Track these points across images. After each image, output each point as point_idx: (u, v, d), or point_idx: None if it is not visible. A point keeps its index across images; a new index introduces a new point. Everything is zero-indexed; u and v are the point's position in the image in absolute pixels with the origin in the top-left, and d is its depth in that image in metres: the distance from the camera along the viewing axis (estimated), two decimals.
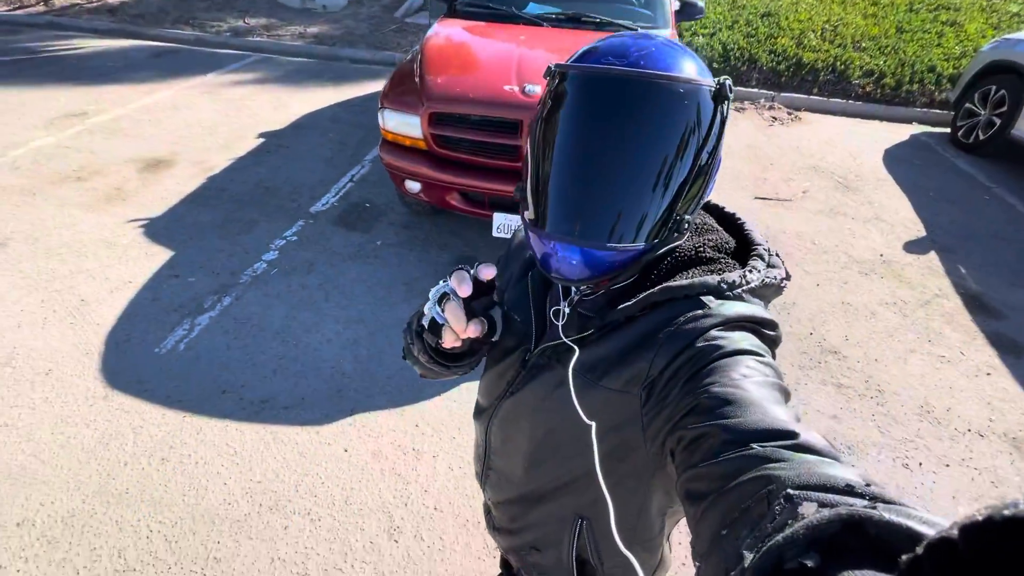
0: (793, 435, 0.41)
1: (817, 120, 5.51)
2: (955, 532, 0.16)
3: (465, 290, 0.63)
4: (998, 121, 4.52)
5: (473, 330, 0.64)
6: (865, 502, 0.29)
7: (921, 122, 5.54)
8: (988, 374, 2.58)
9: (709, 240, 0.67)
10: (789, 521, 0.29)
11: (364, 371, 2.39)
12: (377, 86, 5.57)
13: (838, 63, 6.02)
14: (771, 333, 0.60)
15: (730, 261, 0.66)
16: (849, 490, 0.32)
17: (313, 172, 3.95)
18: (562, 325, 0.68)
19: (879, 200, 4.04)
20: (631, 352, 0.60)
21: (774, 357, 0.59)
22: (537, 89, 2.48)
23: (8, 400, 2.15)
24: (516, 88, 2.50)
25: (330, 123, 4.75)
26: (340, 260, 3.07)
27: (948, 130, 5.23)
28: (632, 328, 0.61)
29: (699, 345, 0.55)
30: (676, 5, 3.45)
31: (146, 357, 2.39)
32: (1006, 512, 0.15)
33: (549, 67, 0.64)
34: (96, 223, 3.26)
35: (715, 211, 0.77)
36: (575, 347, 0.65)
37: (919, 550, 0.17)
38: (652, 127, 0.58)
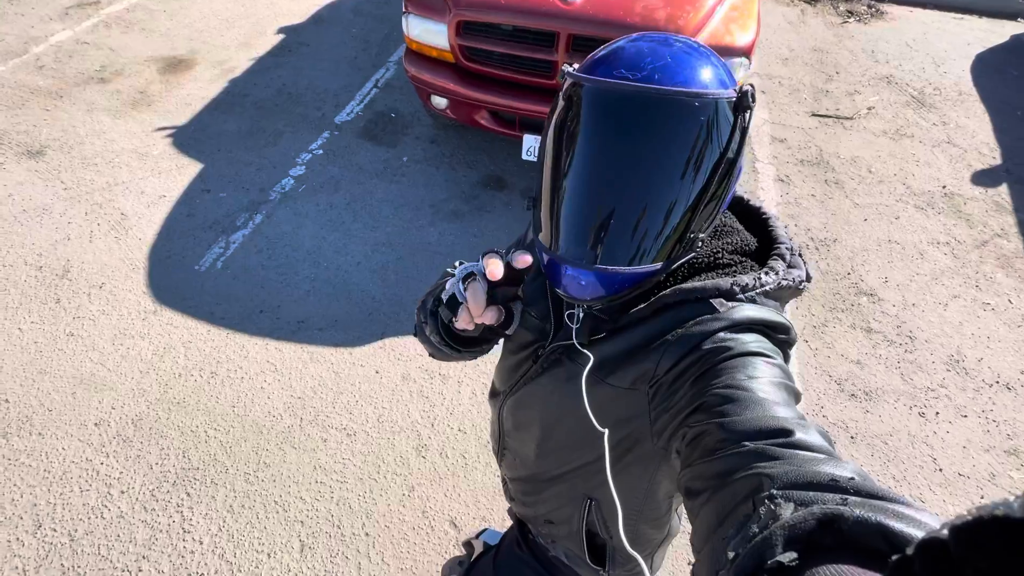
0: (788, 432, 0.42)
1: (903, 15, 4.79)
2: (945, 532, 0.16)
3: (496, 273, 0.58)
4: None
5: (490, 316, 0.61)
6: (843, 497, 0.30)
7: None
8: None
9: (728, 243, 0.66)
10: (770, 522, 0.30)
11: (393, 296, 2.46)
12: None
13: None
14: (782, 336, 0.59)
15: (748, 263, 0.65)
16: (833, 485, 0.32)
17: (336, 75, 3.75)
18: (576, 328, 0.67)
19: (955, 119, 3.63)
20: (638, 352, 0.61)
21: (787, 360, 0.58)
22: (576, 1, 2.20)
23: (70, 311, 2.34)
24: None
25: (352, 16, 4.40)
26: (367, 177, 3.03)
27: None
28: (641, 329, 0.62)
29: (707, 347, 0.55)
30: None
31: (188, 274, 2.51)
32: (997, 512, 0.14)
33: (562, 70, 0.62)
34: (125, 131, 3.24)
35: (739, 204, 0.74)
36: (590, 355, 0.64)
37: (909, 551, 0.17)
38: (666, 146, 0.56)
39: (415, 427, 2.04)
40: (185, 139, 3.22)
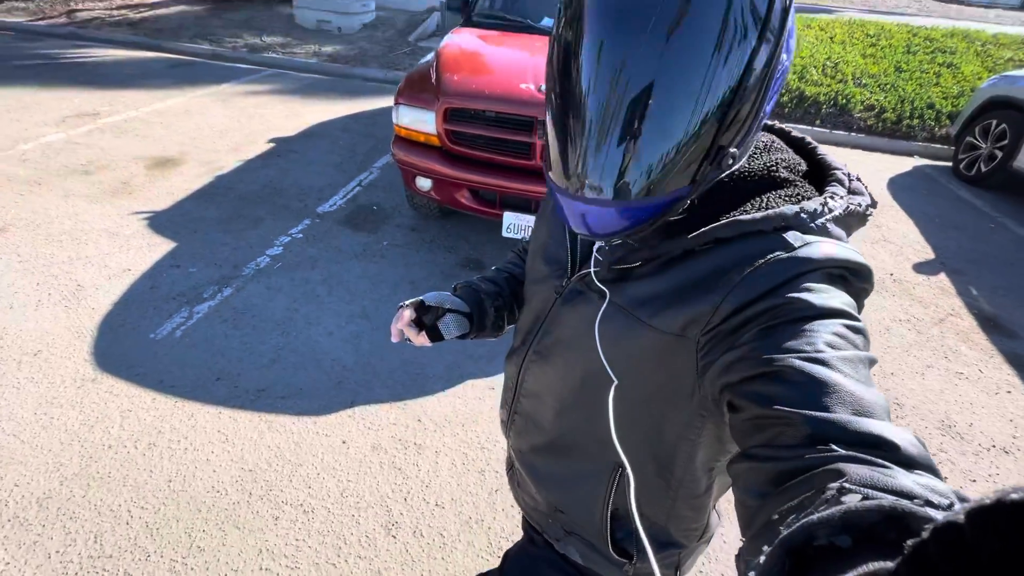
0: (891, 446, 0.36)
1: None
2: (961, 517, 0.16)
3: (404, 317, 0.78)
4: (999, 154, 4.58)
5: (412, 335, 0.78)
6: (915, 501, 0.27)
7: (923, 155, 5.62)
8: (1008, 392, 2.50)
9: (780, 159, 0.59)
10: (834, 503, 0.29)
11: (365, 364, 2.30)
12: (389, 102, 5.66)
13: (839, 97, 6.16)
14: (862, 286, 0.51)
15: (807, 186, 0.57)
16: (909, 495, 0.29)
17: (322, 176, 3.94)
18: (601, 259, 0.61)
19: (886, 223, 4.04)
20: (692, 291, 0.53)
21: (861, 310, 0.51)
22: None
23: None
24: (532, 87, 2.51)
25: (341, 132, 4.79)
26: (345, 258, 3.02)
27: (950, 163, 5.29)
28: (694, 264, 0.54)
29: (786, 295, 0.47)
30: None
31: (140, 342, 2.30)
32: (1014, 496, 0.14)
33: None
34: (100, 214, 3.21)
35: (779, 134, 0.67)
36: (606, 291, 0.60)
37: (924, 534, 0.17)
38: (684, 34, 0.45)
39: (385, 502, 1.76)
40: (162, 222, 3.20)
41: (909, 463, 0.34)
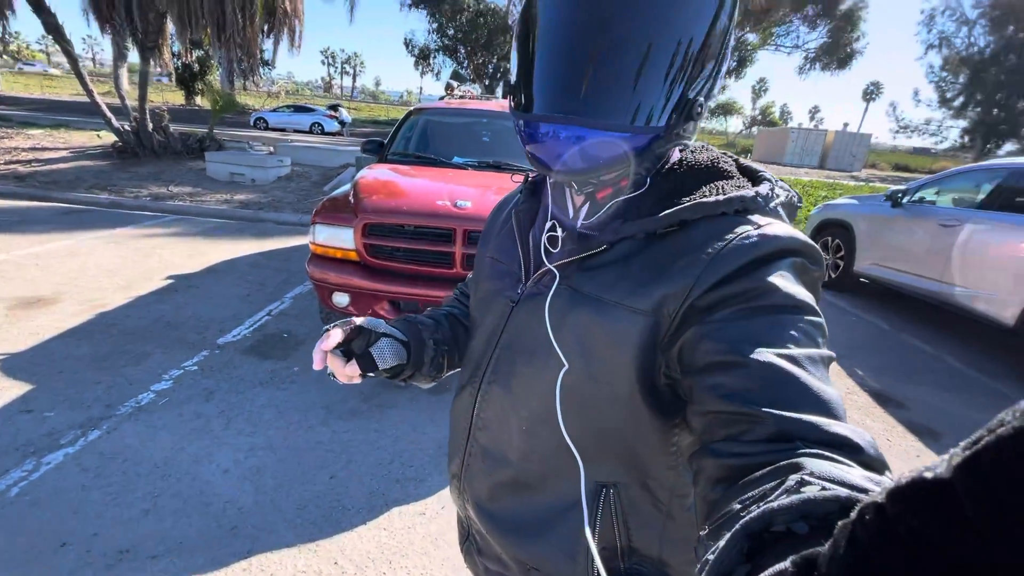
0: (855, 448, 0.37)
1: None
2: (882, 498, 0.17)
3: (330, 343, 0.63)
4: (841, 263, 5.48)
5: (334, 364, 0.64)
6: (872, 494, 0.27)
7: None
8: (918, 456, 2.63)
9: (721, 155, 0.62)
10: (792, 493, 0.30)
11: (268, 503, 1.92)
12: (301, 241, 5.68)
13: None
14: (819, 273, 0.52)
15: (744, 179, 0.59)
16: (860, 489, 0.31)
17: (225, 308, 3.68)
18: (559, 250, 0.61)
19: None
20: (666, 269, 0.52)
21: (818, 300, 0.52)
22: (469, 204, 2.65)
23: None
24: (448, 203, 2.66)
25: (249, 268, 4.63)
26: (247, 387, 2.70)
27: None
28: (661, 245, 0.54)
29: (762, 279, 0.48)
30: None
31: None
32: (926, 475, 0.15)
33: None
34: None
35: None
36: (555, 271, 0.60)
37: (852, 515, 0.18)
38: None
39: None
40: (18, 364, 2.72)
41: (869, 464, 0.36)
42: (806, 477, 0.32)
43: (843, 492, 0.27)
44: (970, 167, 4.83)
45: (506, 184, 3.20)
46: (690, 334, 0.49)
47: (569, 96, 0.51)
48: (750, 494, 0.34)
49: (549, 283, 0.60)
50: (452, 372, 0.79)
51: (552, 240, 0.65)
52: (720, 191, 0.54)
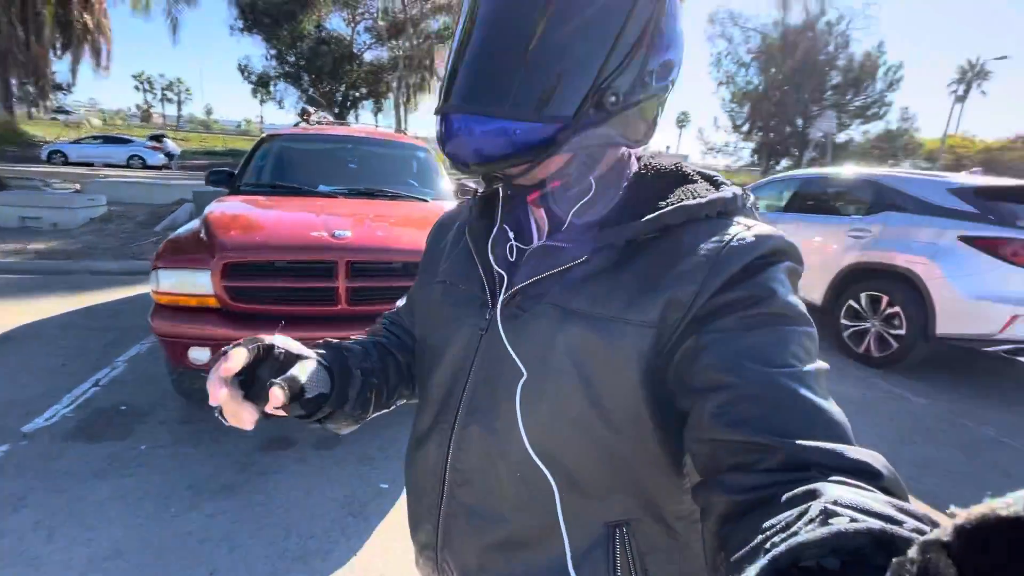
0: (874, 473, 0.36)
1: None
2: (950, 536, 0.16)
3: (230, 368, 0.50)
4: None
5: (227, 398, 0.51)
6: (906, 526, 0.28)
7: None
8: None
9: (681, 162, 0.60)
10: (820, 524, 0.28)
11: None
12: (130, 292, 4.79)
13: None
14: (801, 270, 0.52)
15: (707, 183, 0.58)
16: (890, 519, 0.29)
17: (31, 385, 2.91)
18: (527, 268, 0.56)
19: None
20: (662, 276, 0.49)
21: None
22: (348, 234, 2.44)
23: None
24: (325, 234, 2.42)
25: (61, 331, 3.75)
26: (76, 481, 2.13)
27: None
28: (648, 252, 0.51)
29: (764, 284, 0.46)
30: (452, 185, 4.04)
31: None
32: (1000, 512, 0.14)
33: None
34: None
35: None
36: (503, 275, 0.57)
37: (911, 553, 0.17)
38: None
39: None
40: None
41: (889, 490, 0.35)
42: (830, 506, 0.30)
43: (875, 524, 0.26)
44: (770, 179, 5.85)
45: (385, 211, 3.04)
46: (691, 343, 0.46)
47: (470, 88, 0.51)
48: (772, 523, 0.32)
49: (528, 304, 0.54)
50: (379, 413, 0.68)
51: (516, 257, 0.59)
52: (697, 194, 0.53)
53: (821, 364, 0.45)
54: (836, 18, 25.28)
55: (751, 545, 0.32)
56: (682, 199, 0.52)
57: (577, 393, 0.50)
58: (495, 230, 0.62)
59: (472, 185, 4.35)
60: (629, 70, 0.51)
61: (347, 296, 2.36)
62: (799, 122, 25.94)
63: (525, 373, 0.52)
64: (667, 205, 0.52)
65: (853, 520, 0.27)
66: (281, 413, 0.52)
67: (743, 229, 0.49)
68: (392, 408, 0.71)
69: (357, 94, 26.25)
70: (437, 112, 0.53)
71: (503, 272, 0.58)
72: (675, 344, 0.48)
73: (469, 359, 0.57)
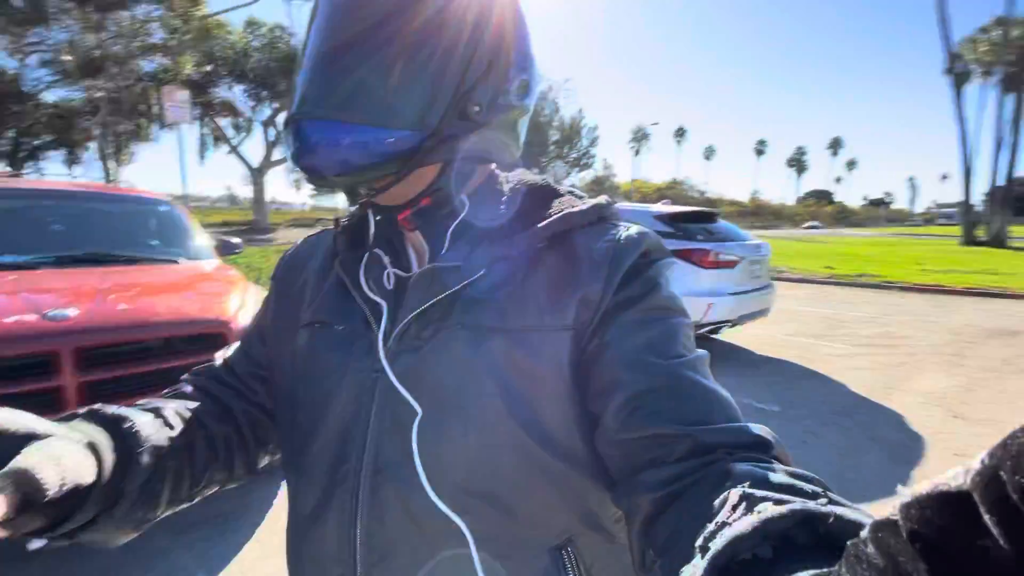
0: (767, 445, 0.40)
1: None
2: (897, 514, 0.16)
3: None
4: None
5: None
6: (823, 499, 0.30)
7: None
8: None
9: (549, 178, 0.61)
10: (746, 515, 0.29)
11: None
12: None
13: None
14: (673, 263, 0.56)
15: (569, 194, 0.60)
16: (803, 493, 0.32)
17: None
18: (416, 293, 0.51)
19: None
20: (568, 281, 0.50)
21: None
22: (68, 313, 1.84)
23: None
24: (33, 316, 1.78)
25: None
26: None
27: None
28: (545, 261, 0.51)
29: (648, 276, 0.50)
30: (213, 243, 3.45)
31: None
32: (941, 487, 0.15)
33: None
34: None
35: None
36: (382, 302, 0.53)
37: (863, 533, 0.17)
38: None
39: None
40: None
41: (781, 458, 0.39)
42: (747, 490, 0.32)
43: (797, 505, 0.27)
44: None
45: (123, 280, 2.41)
46: (596, 342, 0.48)
47: (327, 92, 0.48)
48: (697, 516, 0.33)
49: (429, 332, 0.49)
50: (174, 510, 0.53)
51: (397, 285, 0.53)
52: (574, 204, 0.55)
53: (701, 351, 0.48)
54: (547, 88, 31.16)
55: (681, 543, 0.33)
56: (563, 209, 0.53)
57: (504, 416, 0.47)
58: (365, 258, 0.56)
59: (236, 240, 3.80)
60: (491, 82, 0.51)
61: (80, 395, 1.76)
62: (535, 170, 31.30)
63: (420, 411, 0.47)
64: (551, 215, 0.53)
65: (777, 503, 0.28)
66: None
67: (625, 229, 0.52)
68: (196, 501, 0.56)
69: (37, 142, 20.52)
70: (288, 120, 0.49)
71: (381, 301, 0.52)
72: (587, 343, 0.48)
73: (365, 409, 0.49)
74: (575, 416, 0.49)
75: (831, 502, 0.29)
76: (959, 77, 22.98)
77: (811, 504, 0.27)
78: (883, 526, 0.16)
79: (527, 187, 0.57)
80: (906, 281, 9.98)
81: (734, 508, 0.30)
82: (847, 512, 0.26)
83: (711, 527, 0.30)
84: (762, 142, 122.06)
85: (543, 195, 0.56)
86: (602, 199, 0.56)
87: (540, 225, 0.51)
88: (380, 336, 0.50)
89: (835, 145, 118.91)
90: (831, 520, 0.26)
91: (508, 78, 0.53)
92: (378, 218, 0.57)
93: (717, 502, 0.32)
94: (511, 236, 0.52)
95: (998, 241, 21.46)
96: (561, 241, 0.52)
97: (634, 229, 0.53)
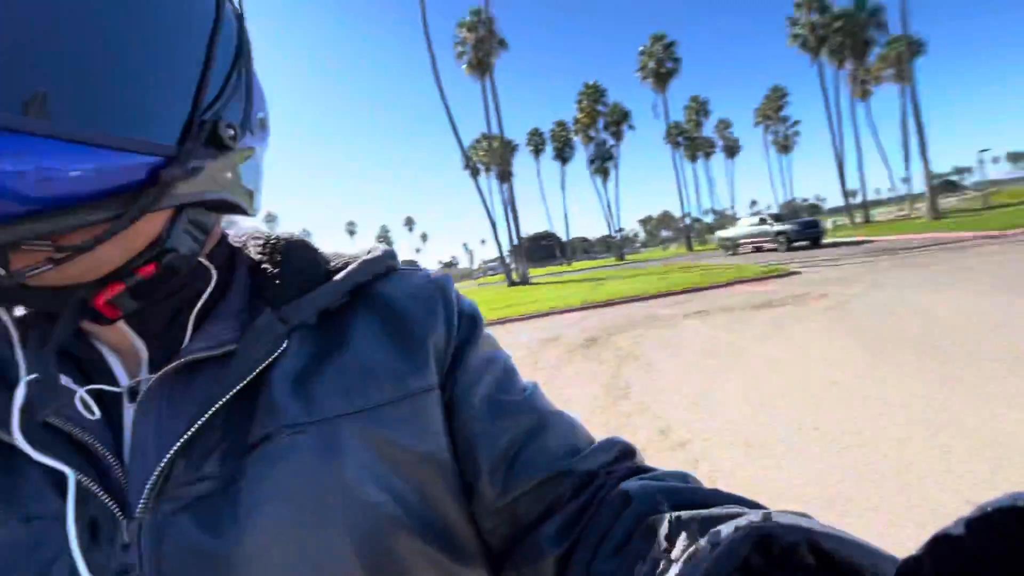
0: (632, 451, 0.41)
1: None
2: (961, 528, 0.15)
3: None
4: None
5: None
6: (760, 513, 0.26)
7: None
8: None
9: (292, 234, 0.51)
10: (694, 553, 0.25)
11: None
12: None
13: None
14: None
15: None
16: (714, 495, 0.32)
17: None
18: (167, 406, 0.36)
19: None
20: (408, 331, 0.42)
21: None
22: None
23: None
24: None
25: None
26: None
27: None
28: (363, 317, 0.43)
29: (466, 316, 0.47)
30: None
31: None
32: (1018, 502, 0.14)
33: None
34: None
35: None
36: (98, 443, 0.35)
37: (916, 551, 0.16)
38: None
39: None
40: None
41: (639, 458, 0.40)
42: (677, 517, 0.29)
43: (749, 530, 0.23)
44: None
45: None
46: (447, 395, 0.42)
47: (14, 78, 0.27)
48: (613, 550, 0.32)
49: (230, 460, 0.34)
50: None
51: (108, 411, 0.36)
52: (356, 255, 0.48)
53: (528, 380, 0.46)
54: None
55: None
56: (348, 261, 0.45)
57: (394, 525, 0.36)
58: (19, 393, 0.33)
59: None
60: (235, 101, 0.38)
61: None
62: None
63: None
64: (339, 268, 0.45)
65: (708, 528, 0.26)
66: None
67: (426, 271, 0.48)
68: None
69: None
70: None
71: (93, 442, 0.34)
72: (445, 397, 0.42)
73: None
74: (464, 500, 0.41)
75: (742, 504, 0.30)
76: (474, 171, 31.79)
77: (757, 523, 0.24)
78: (944, 541, 0.16)
79: (286, 243, 0.47)
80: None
81: (668, 540, 0.27)
82: (794, 523, 0.24)
83: (647, 567, 0.27)
84: (351, 223, 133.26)
85: (307, 253, 0.47)
86: (385, 247, 0.50)
87: (338, 278, 0.43)
88: (112, 506, 0.32)
89: (409, 222, 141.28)
90: (784, 540, 0.23)
91: (252, 106, 0.40)
92: (30, 314, 0.39)
93: (637, 535, 0.31)
94: (294, 300, 0.41)
95: (524, 280, 30.46)
96: (364, 293, 0.44)
97: (433, 271, 0.49)
